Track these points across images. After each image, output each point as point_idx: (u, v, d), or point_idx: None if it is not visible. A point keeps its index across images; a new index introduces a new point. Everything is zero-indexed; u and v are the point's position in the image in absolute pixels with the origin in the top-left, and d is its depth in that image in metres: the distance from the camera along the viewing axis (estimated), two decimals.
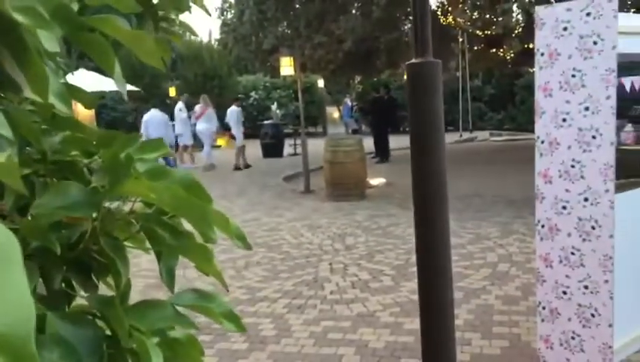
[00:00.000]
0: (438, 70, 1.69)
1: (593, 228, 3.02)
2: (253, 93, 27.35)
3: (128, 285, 0.73)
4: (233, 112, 15.75)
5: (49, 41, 0.52)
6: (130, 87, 13.84)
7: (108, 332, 0.65)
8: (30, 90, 0.53)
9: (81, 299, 0.75)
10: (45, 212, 0.60)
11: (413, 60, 1.69)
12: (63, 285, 0.72)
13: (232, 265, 6.38)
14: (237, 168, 15.21)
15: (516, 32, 13.75)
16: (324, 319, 4.79)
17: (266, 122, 18.95)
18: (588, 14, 2.93)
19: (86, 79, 13.64)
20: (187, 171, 0.74)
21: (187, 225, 0.72)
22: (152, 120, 13.82)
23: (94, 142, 0.75)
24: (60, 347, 0.55)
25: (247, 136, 25.20)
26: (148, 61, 0.65)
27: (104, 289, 0.81)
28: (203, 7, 0.91)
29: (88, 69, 15.43)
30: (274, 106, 21.25)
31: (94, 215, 0.66)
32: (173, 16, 0.91)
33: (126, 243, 0.72)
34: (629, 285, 3.51)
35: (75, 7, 0.65)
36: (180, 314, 0.70)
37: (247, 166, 15.51)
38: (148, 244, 0.74)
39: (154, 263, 0.78)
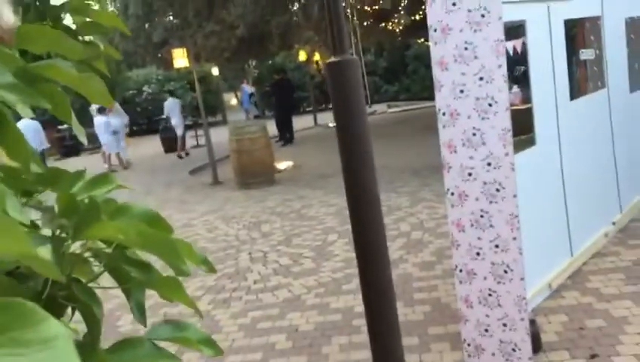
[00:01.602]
0: (356, 66, 1.75)
1: (498, 190, 3.21)
2: (145, 88, 26.49)
3: (100, 327, 0.72)
4: (173, 103, 16.31)
5: (24, 109, 0.50)
6: None
7: None
8: (8, 157, 0.51)
9: None
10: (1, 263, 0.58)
11: (332, 59, 1.73)
12: None
13: None
14: (180, 157, 16.08)
15: (402, 4, 14.12)
16: (251, 309, 4.80)
17: (164, 116, 18.43)
18: None
19: None
20: (145, 205, 0.73)
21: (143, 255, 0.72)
22: (22, 127, 13.26)
23: (31, 180, 0.72)
24: None
25: (144, 132, 24.50)
26: (97, 102, 0.64)
27: None
28: (122, 28, 0.89)
29: None
30: (166, 102, 20.72)
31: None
32: (96, 41, 0.89)
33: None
34: (533, 239, 3.77)
35: (16, 54, 0.62)
36: (159, 349, 0.70)
37: (187, 154, 16.29)
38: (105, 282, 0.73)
39: None
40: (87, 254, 0.70)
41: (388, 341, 2.10)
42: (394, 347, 2.15)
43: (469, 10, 3.10)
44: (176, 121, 16.28)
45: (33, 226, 0.69)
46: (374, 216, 1.84)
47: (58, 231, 0.65)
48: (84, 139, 0.70)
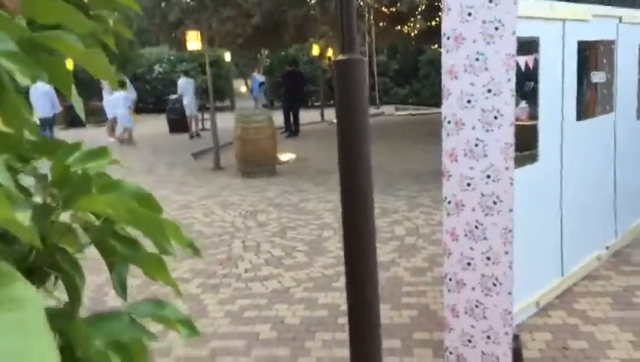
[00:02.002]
0: (363, 66, 1.76)
1: (495, 203, 3.22)
2: (157, 67, 26.49)
3: (80, 297, 0.73)
4: (187, 83, 16.54)
5: (23, 77, 0.51)
6: None
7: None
8: (3, 122, 0.52)
9: None
10: None
11: (340, 57, 1.74)
12: None
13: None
14: (191, 136, 16.20)
15: (420, 9, 14.09)
16: (240, 297, 4.82)
17: (172, 96, 18.47)
18: (490, 1, 3.08)
19: None
20: (135, 182, 0.74)
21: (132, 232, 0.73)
22: (35, 91, 13.65)
23: (29, 147, 0.73)
24: None
25: (151, 110, 24.51)
26: (101, 77, 0.65)
27: None
28: (135, 7, 0.89)
29: None
30: (180, 80, 20.76)
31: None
32: (105, 16, 0.89)
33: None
34: (525, 255, 3.78)
35: (23, 23, 0.63)
36: (136, 324, 0.71)
37: (192, 136, 16.32)
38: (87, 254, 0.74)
39: None
40: (75, 225, 0.71)
41: (368, 343, 2.11)
42: (373, 349, 2.16)
43: (484, 22, 3.10)
44: (188, 101, 16.45)
45: (26, 193, 0.70)
46: (366, 215, 1.85)
47: (49, 200, 0.66)
48: (82, 114, 0.71)
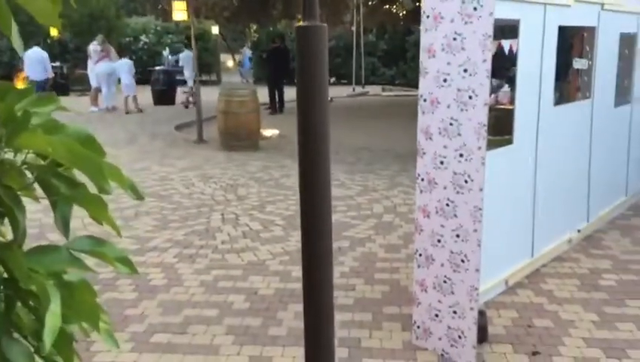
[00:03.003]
0: (323, 34, 1.77)
1: (466, 181, 3.28)
2: (143, 37, 26.18)
3: (24, 232, 0.76)
4: (188, 56, 16.85)
5: None
6: None
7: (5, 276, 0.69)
8: None
9: None
10: None
11: (301, 24, 1.76)
12: None
13: (119, 214, 6.25)
14: (186, 106, 16.21)
15: None
16: (215, 268, 4.86)
17: (157, 68, 18.35)
18: None
19: None
20: (81, 125, 0.77)
21: (80, 176, 0.76)
22: (29, 56, 14.14)
23: None
24: None
25: (137, 82, 24.30)
26: (44, 21, 0.67)
27: None
28: None
29: None
30: (165, 52, 20.63)
31: None
32: None
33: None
34: (497, 235, 3.86)
35: None
36: (74, 258, 0.75)
37: (187, 106, 16.19)
38: (37, 194, 0.78)
39: None
40: (24, 167, 0.74)
41: (321, 323, 2.15)
42: (327, 326, 2.19)
43: (463, 2, 3.13)
44: (189, 73, 16.79)
45: None
46: (322, 182, 1.88)
47: None
48: (21, 52, 0.73)
